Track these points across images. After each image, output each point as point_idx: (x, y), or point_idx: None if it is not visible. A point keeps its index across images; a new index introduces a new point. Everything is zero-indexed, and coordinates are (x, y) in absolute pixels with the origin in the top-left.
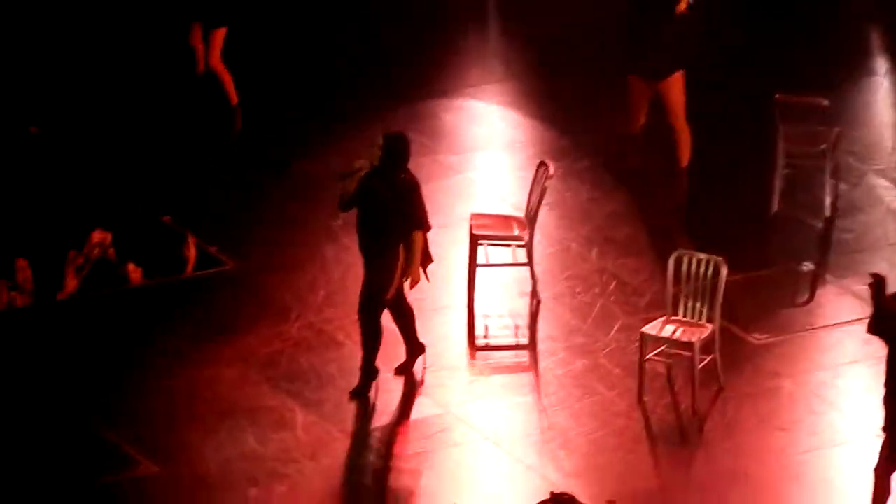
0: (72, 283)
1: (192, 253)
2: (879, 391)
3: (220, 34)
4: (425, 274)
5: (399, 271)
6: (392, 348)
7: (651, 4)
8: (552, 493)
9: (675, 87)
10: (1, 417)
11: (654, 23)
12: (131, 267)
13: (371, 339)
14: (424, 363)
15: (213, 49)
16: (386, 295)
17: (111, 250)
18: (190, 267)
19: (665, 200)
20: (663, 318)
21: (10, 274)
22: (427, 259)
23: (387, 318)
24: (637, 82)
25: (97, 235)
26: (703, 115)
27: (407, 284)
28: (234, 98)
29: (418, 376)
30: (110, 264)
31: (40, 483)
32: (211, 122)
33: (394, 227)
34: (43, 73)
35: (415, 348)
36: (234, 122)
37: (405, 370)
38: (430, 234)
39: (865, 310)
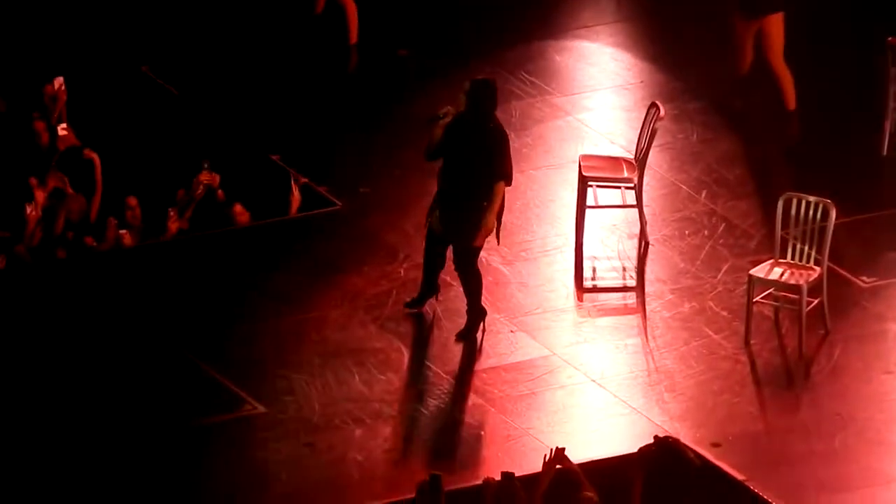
0: (178, 223)
1: (296, 196)
2: None
3: None
4: (497, 233)
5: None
6: (501, 289)
7: None
8: (656, 437)
9: (774, 26)
10: (107, 357)
11: None
12: (238, 209)
13: (473, 284)
14: (484, 328)
15: None
16: (475, 242)
17: (220, 191)
18: (294, 209)
19: (774, 143)
20: (771, 261)
21: (119, 212)
22: (501, 213)
23: (503, 262)
24: (741, 21)
25: (204, 175)
26: (813, 58)
27: (479, 234)
28: (354, 36)
29: (524, 319)
30: (218, 205)
31: (146, 422)
32: (326, 60)
33: (479, 177)
34: (154, 11)
35: (476, 312)
36: (349, 60)
37: (467, 336)
38: (540, 175)
39: None
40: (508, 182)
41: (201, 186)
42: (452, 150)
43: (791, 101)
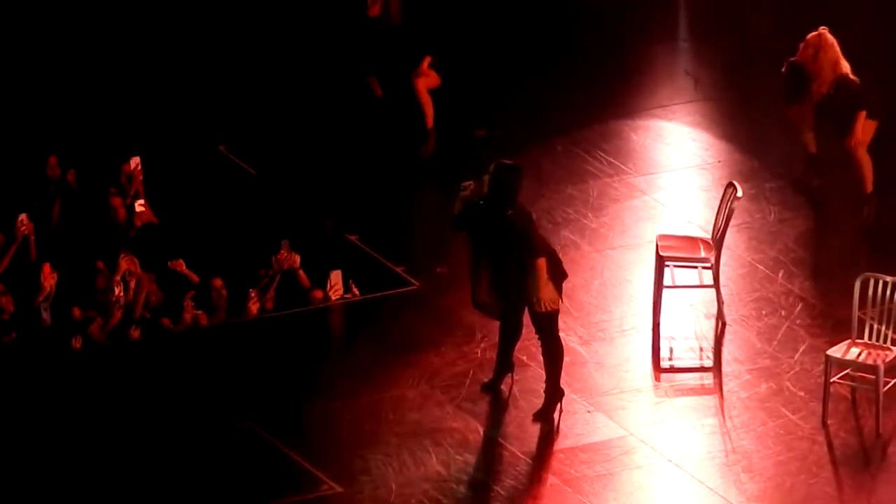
0: (258, 304)
1: (334, 286)
2: None
3: (424, 63)
4: (560, 293)
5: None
6: (578, 369)
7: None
8: None
9: (868, 126)
10: (183, 436)
11: None
12: (319, 294)
13: (553, 352)
14: (562, 409)
15: (419, 78)
16: (547, 308)
17: (301, 272)
18: (333, 298)
19: (852, 223)
20: (848, 341)
21: (202, 293)
22: (561, 276)
23: (580, 342)
24: (792, 107)
25: (283, 255)
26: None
27: (540, 307)
28: (430, 122)
29: (601, 399)
30: (301, 288)
31: (224, 502)
32: (403, 141)
33: (513, 258)
34: (231, 91)
35: (554, 391)
36: (427, 143)
37: (544, 416)
38: (616, 255)
39: None
40: (544, 254)
41: (281, 266)
42: (475, 230)
43: (868, 184)
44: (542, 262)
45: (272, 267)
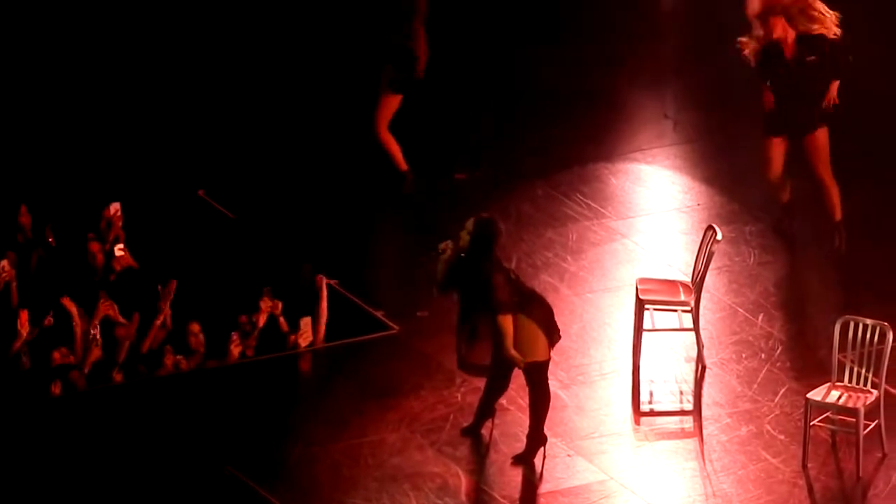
0: (240, 348)
1: (303, 333)
2: None
3: (392, 102)
4: (551, 344)
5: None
6: (558, 413)
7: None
8: None
9: (820, 139)
10: (163, 481)
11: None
12: (294, 338)
13: (540, 402)
14: (545, 454)
15: (381, 117)
16: (520, 365)
17: (282, 319)
18: (302, 346)
19: (832, 266)
20: (828, 384)
21: (180, 338)
22: (554, 334)
23: (560, 386)
24: (776, 143)
25: (265, 302)
26: (860, 170)
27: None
28: (402, 165)
29: (581, 443)
30: (280, 333)
31: None
32: (380, 185)
33: (486, 313)
34: (210, 137)
35: (537, 438)
36: (404, 185)
37: (523, 461)
38: (596, 298)
39: None
40: (504, 312)
41: (263, 314)
42: (459, 286)
43: (837, 212)
44: (503, 320)
45: (254, 313)
